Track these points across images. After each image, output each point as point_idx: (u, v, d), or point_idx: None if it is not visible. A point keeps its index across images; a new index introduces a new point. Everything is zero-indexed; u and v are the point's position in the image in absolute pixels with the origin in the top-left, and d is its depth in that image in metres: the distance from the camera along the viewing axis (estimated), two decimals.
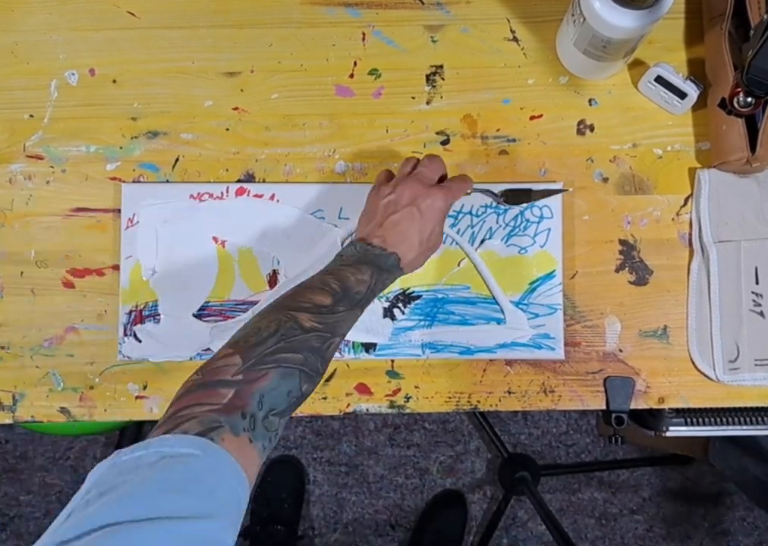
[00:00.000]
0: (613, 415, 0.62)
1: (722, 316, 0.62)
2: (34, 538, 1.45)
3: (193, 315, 0.64)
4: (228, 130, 0.66)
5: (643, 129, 0.65)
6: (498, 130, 0.65)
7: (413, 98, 0.66)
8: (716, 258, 0.62)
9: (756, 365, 0.61)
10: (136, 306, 0.63)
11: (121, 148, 0.66)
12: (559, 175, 0.65)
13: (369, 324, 0.64)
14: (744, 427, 0.65)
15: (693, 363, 0.63)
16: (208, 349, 0.63)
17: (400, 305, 0.64)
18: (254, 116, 0.66)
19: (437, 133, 0.65)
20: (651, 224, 0.64)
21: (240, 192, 0.64)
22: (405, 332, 0.64)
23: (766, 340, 0.61)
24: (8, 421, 0.64)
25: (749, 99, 0.58)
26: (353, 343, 0.64)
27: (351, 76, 0.66)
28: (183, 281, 0.64)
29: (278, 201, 0.64)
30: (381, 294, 0.60)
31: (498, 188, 0.63)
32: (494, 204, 0.64)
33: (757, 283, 0.61)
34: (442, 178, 0.59)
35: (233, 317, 0.64)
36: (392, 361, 0.64)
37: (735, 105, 0.59)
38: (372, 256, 0.54)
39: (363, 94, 0.66)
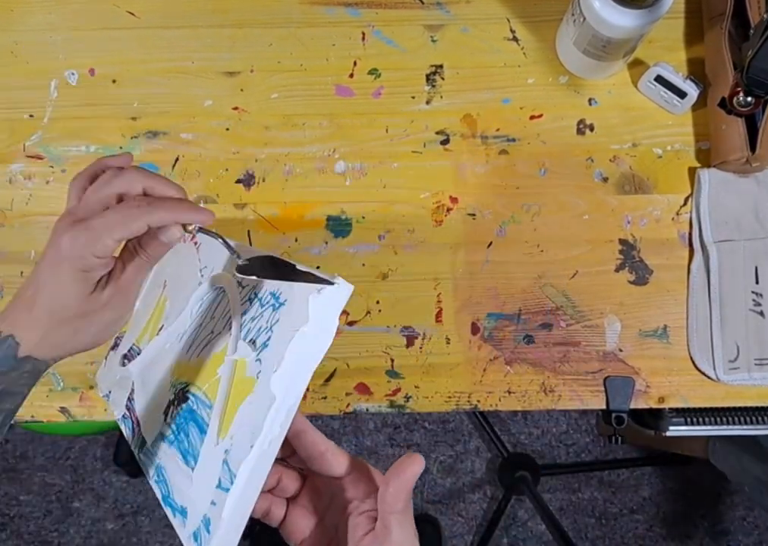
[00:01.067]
0: (613, 415, 0.62)
1: (722, 316, 0.62)
2: (34, 537, 1.46)
3: (123, 354, 0.57)
4: (227, 129, 0.66)
5: (643, 128, 0.65)
6: (498, 129, 0.65)
7: (413, 97, 0.66)
8: (715, 258, 0.62)
9: (756, 364, 0.61)
10: (122, 333, 0.59)
11: (120, 148, 0.66)
12: (559, 175, 0.65)
13: (151, 413, 0.50)
14: (744, 427, 0.65)
15: (693, 363, 0.63)
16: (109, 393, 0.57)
17: (175, 403, 0.48)
18: (254, 116, 0.66)
19: (437, 133, 0.65)
20: (651, 224, 0.64)
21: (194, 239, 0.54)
22: (162, 441, 0.47)
23: (766, 339, 0.61)
24: None
25: (749, 99, 0.58)
26: (139, 427, 0.51)
27: (351, 75, 0.66)
28: (135, 319, 0.56)
29: (197, 245, 0.53)
30: (176, 381, 0.47)
31: (248, 252, 0.43)
32: (278, 293, 0.42)
33: (757, 282, 0.61)
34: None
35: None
36: (392, 360, 0.64)
37: (735, 104, 0.59)
38: None
39: (363, 94, 0.66)
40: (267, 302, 0.43)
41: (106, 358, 0.62)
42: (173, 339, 0.52)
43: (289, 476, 0.44)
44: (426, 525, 1.35)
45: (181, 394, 0.48)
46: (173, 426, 0.47)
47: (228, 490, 0.38)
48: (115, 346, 0.61)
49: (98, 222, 0.39)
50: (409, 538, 0.38)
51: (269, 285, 0.44)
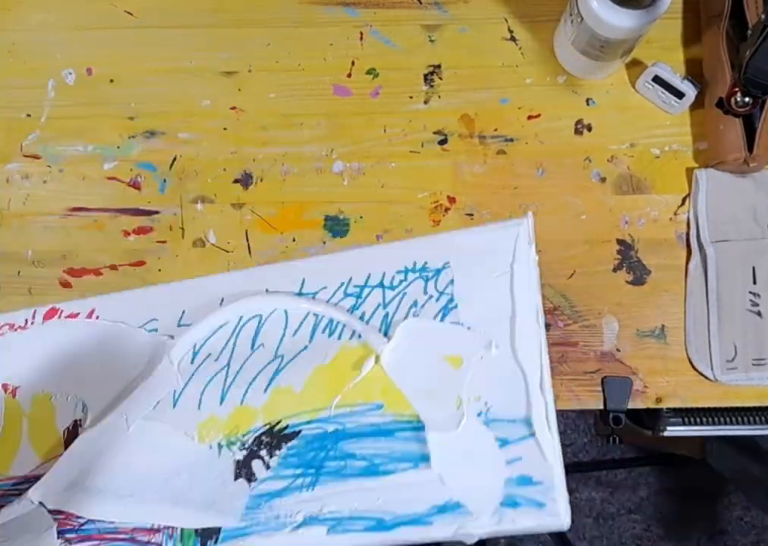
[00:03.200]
0: (611, 415, 0.62)
1: (719, 316, 0.62)
2: None
3: None
4: (225, 129, 0.66)
5: (640, 129, 0.65)
6: (495, 129, 0.65)
7: (411, 97, 0.66)
8: (713, 258, 0.62)
9: (753, 364, 0.61)
10: None
11: (118, 147, 0.66)
12: (557, 175, 0.65)
13: (209, 494, 0.41)
14: (742, 427, 0.65)
15: (690, 363, 0.63)
16: None
17: (263, 453, 0.41)
18: (252, 115, 0.66)
19: (435, 133, 0.65)
20: (649, 224, 0.64)
21: (50, 314, 0.50)
22: (269, 501, 0.41)
23: (764, 339, 0.61)
24: None
25: (746, 99, 0.58)
26: (182, 531, 0.42)
27: (349, 75, 0.66)
28: None
29: (97, 317, 0.50)
30: (233, 436, 0.42)
31: None
32: (417, 265, 0.42)
33: (755, 282, 0.61)
34: None
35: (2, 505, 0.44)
36: None
37: (733, 104, 0.59)
38: None
39: (361, 93, 0.66)
40: (403, 281, 0.44)
41: None
42: (136, 416, 0.45)
43: None
44: None
45: (270, 439, 0.42)
46: (296, 467, 0.41)
47: (526, 438, 0.39)
48: None
49: None
50: None
51: (385, 267, 0.44)
